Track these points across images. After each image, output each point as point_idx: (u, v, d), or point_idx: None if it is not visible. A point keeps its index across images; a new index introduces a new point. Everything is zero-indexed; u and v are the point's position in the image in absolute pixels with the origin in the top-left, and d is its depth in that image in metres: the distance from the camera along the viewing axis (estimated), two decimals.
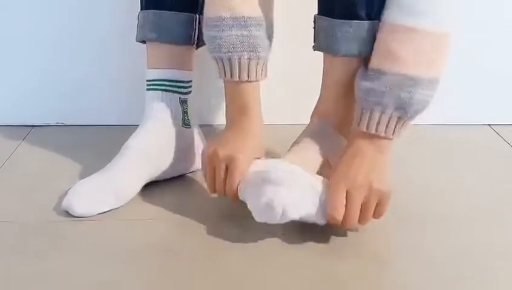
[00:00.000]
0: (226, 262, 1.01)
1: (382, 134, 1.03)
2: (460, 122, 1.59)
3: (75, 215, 1.12)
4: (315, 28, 1.13)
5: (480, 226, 1.14)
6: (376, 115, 1.03)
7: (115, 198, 1.16)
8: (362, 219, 1.05)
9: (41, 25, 1.53)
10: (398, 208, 1.18)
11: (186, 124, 1.26)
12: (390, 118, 1.03)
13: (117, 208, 1.16)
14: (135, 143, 1.21)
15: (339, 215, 1.02)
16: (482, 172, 1.35)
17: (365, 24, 1.05)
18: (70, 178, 1.27)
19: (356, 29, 1.05)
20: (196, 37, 1.25)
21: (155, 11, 1.23)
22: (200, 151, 1.20)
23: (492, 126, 1.58)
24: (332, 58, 1.10)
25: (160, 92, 1.24)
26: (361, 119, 1.04)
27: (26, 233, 1.09)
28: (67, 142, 1.47)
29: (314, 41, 1.13)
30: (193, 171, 1.30)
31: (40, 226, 1.11)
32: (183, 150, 1.26)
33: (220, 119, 1.53)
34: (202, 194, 1.22)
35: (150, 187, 1.23)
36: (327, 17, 1.08)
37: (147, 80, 1.25)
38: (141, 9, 1.27)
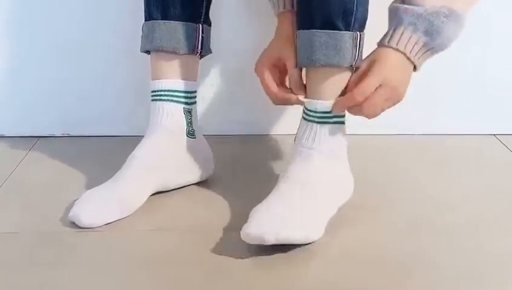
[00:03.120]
0: (233, 273, 0.99)
1: (408, 53, 1.10)
2: (466, 132, 1.59)
3: (82, 226, 1.10)
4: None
5: (484, 235, 1.12)
6: (407, 34, 1.09)
7: (121, 209, 1.14)
8: (371, 105, 1.10)
9: (46, 36, 1.53)
10: (404, 216, 1.18)
11: (190, 134, 1.24)
12: (417, 40, 1.10)
13: (123, 218, 1.14)
14: (140, 154, 1.20)
15: (364, 96, 1.08)
16: (486, 181, 1.34)
17: (342, 34, 1.07)
18: (76, 189, 1.25)
19: (333, 39, 1.07)
20: (200, 46, 1.24)
21: (158, 21, 1.22)
22: (205, 161, 1.21)
23: (497, 136, 1.57)
24: (312, 70, 1.11)
25: (164, 102, 1.22)
26: (392, 36, 1.10)
27: (32, 244, 1.08)
28: (72, 153, 1.46)
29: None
30: (199, 182, 1.28)
31: (46, 237, 1.09)
32: (189, 160, 1.25)
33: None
34: (208, 204, 1.21)
35: (157, 197, 1.21)
36: (303, 30, 1.10)
37: (151, 91, 1.24)
38: (145, 21, 1.26)
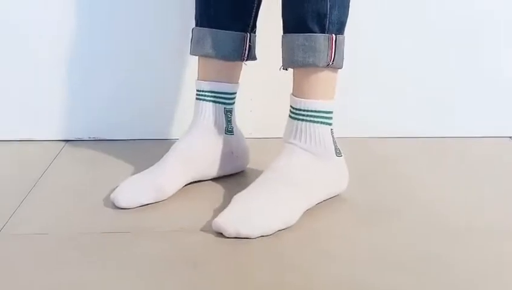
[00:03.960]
0: (255, 274, 1.00)
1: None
2: (481, 134, 1.59)
3: (119, 206, 1.20)
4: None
5: (499, 238, 1.12)
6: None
7: (155, 193, 1.22)
8: None
9: (74, 41, 1.56)
10: (419, 218, 1.19)
11: (229, 131, 1.32)
12: None
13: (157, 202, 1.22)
14: (180, 146, 1.28)
15: None
16: (502, 184, 1.34)
17: (317, 36, 1.14)
18: (103, 191, 1.28)
19: (308, 40, 1.15)
20: (247, 54, 1.32)
21: (212, 29, 1.29)
22: (241, 155, 1.35)
23: None
24: (295, 71, 1.19)
25: (208, 102, 1.30)
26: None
27: (60, 245, 1.09)
28: (99, 156, 1.49)
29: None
30: (235, 173, 1.37)
31: (74, 238, 1.12)
32: (226, 154, 1.33)
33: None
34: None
35: (192, 192, 1.27)
36: (285, 34, 1.19)
37: (197, 90, 1.31)
38: (196, 26, 1.32)
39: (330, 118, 1.19)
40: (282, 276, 0.99)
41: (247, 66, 1.34)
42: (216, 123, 1.31)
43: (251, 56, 1.33)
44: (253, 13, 1.31)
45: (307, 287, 0.97)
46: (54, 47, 1.56)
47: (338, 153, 1.21)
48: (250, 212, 1.11)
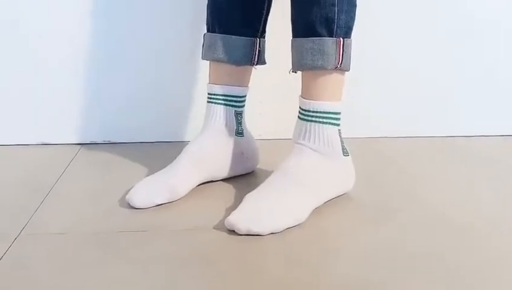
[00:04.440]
0: (265, 270, 1.03)
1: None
2: (487, 133, 1.60)
3: (134, 207, 1.24)
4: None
5: (501, 236, 1.14)
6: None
7: (169, 194, 1.26)
8: None
9: (89, 45, 1.59)
10: (420, 216, 1.20)
11: (239, 133, 1.36)
12: None
13: (170, 202, 1.26)
14: (192, 149, 1.32)
15: None
16: (505, 182, 1.35)
17: (325, 40, 1.18)
18: (118, 192, 1.32)
19: (317, 44, 1.18)
20: (256, 59, 1.36)
21: (223, 35, 1.33)
22: (251, 156, 1.38)
23: None
24: (303, 73, 1.23)
25: (219, 105, 1.34)
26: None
27: (78, 244, 1.12)
28: (113, 158, 1.52)
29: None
30: (245, 174, 1.41)
31: (91, 238, 1.14)
32: (236, 155, 1.37)
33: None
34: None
35: (204, 192, 1.30)
36: (294, 39, 1.23)
37: (208, 93, 1.35)
38: (207, 31, 1.36)
39: (338, 118, 1.23)
40: (291, 272, 1.01)
41: (256, 69, 1.37)
42: (227, 125, 1.35)
43: (261, 60, 1.37)
44: (263, 19, 1.35)
45: (314, 283, 0.99)
46: (68, 52, 1.59)
47: (345, 152, 1.25)
48: (261, 211, 1.14)
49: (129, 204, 1.25)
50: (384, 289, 0.98)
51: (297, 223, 1.15)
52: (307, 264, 1.04)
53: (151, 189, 1.26)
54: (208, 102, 1.36)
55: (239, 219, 1.13)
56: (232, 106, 1.35)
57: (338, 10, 1.18)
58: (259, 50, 1.35)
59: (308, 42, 1.20)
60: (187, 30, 1.58)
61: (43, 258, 1.08)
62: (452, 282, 0.99)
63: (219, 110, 1.34)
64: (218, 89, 1.34)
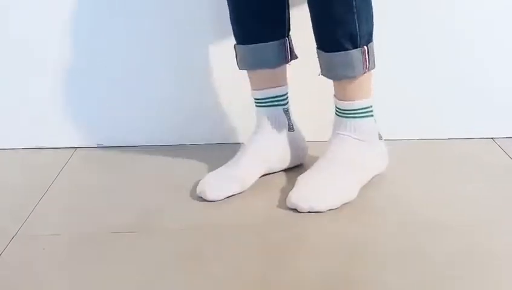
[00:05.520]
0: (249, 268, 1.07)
1: None
2: (464, 136, 1.60)
3: (208, 199, 1.30)
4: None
5: (478, 236, 1.16)
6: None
7: (239, 186, 1.33)
8: None
9: (83, 49, 1.60)
10: (405, 217, 1.23)
11: (291, 128, 1.42)
12: None
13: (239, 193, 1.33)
14: (251, 145, 1.40)
15: None
16: (483, 185, 1.36)
17: (352, 53, 1.25)
18: (112, 195, 1.35)
19: (344, 58, 1.26)
20: (290, 56, 1.41)
21: (253, 45, 1.37)
22: (302, 149, 1.45)
23: (495, 139, 1.59)
24: (334, 82, 1.32)
25: (267, 107, 1.40)
26: None
27: (72, 245, 1.15)
28: (107, 162, 1.54)
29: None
30: (300, 164, 1.46)
31: (85, 239, 1.17)
32: (289, 149, 1.43)
33: None
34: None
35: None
36: (321, 51, 1.29)
37: (255, 99, 1.42)
38: (237, 44, 1.40)
39: (371, 110, 1.32)
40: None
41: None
42: (279, 123, 1.40)
43: (293, 56, 1.41)
44: (287, 20, 1.39)
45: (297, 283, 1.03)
46: (62, 56, 1.60)
47: (380, 137, 1.35)
48: (318, 190, 1.25)
49: (200, 197, 1.31)
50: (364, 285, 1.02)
51: (351, 200, 1.27)
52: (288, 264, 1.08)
53: (222, 182, 1.32)
54: (256, 106, 1.42)
55: (300, 197, 1.24)
56: (279, 105, 1.40)
57: (359, 24, 1.25)
58: (290, 48, 1.40)
59: (336, 56, 1.27)
60: (179, 34, 1.60)
61: (39, 258, 1.11)
62: (429, 278, 1.03)
63: (269, 111, 1.40)
64: (261, 94, 1.40)
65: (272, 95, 1.40)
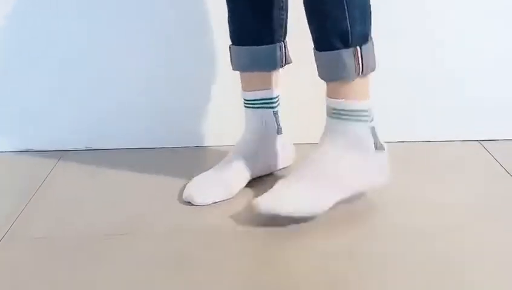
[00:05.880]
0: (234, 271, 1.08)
1: None
2: (451, 138, 1.61)
3: (196, 204, 1.29)
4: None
5: (467, 238, 1.17)
6: None
7: (226, 192, 1.32)
8: None
9: (71, 53, 1.59)
10: (390, 219, 1.24)
11: (279, 131, 1.41)
12: None
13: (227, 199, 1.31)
14: (239, 148, 1.38)
15: None
16: (469, 187, 1.37)
17: (342, 53, 1.19)
18: (100, 198, 1.35)
19: (335, 58, 1.20)
20: (284, 60, 1.40)
21: (249, 47, 1.36)
22: (289, 153, 1.43)
23: (481, 142, 1.60)
24: (327, 83, 1.25)
25: (257, 109, 1.39)
26: None
27: (59, 248, 1.15)
28: (95, 165, 1.53)
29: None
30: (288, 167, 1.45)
31: (72, 242, 1.17)
32: (277, 153, 1.42)
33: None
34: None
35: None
36: (315, 50, 1.24)
37: (245, 100, 1.40)
38: (233, 44, 1.38)
39: (366, 115, 1.22)
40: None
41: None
42: (268, 125, 1.39)
43: (287, 61, 1.40)
44: (284, 24, 1.38)
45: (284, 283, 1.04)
46: (50, 59, 1.60)
47: (379, 147, 1.24)
48: (283, 195, 1.20)
49: (188, 202, 1.30)
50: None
51: (313, 212, 1.20)
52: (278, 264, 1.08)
53: (209, 187, 1.31)
54: (246, 107, 1.40)
55: (262, 200, 1.20)
56: (269, 107, 1.39)
57: (350, 22, 1.18)
58: (284, 52, 1.39)
59: (326, 56, 1.21)
60: (168, 37, 1.60)
61: (26, 262, 1.11)
62: (411, 276, 1.04)
63: (258, 113, 1.38)
64: (254, 95, 1.38)
65: (263, 97, 1.39)
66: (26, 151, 1.64)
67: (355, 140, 1.23)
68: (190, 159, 1.55)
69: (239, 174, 1.35)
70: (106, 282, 1.05)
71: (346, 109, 1.22)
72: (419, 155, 1.56)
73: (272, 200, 1.20)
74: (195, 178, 1.35)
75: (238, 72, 1.41)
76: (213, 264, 1.09)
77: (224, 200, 1.31)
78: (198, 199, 1.29)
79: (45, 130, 1.64)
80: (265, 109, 1.39)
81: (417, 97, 1.62)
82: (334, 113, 1.23)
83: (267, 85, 1.39)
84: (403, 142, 1.62)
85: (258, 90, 1.38)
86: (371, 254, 1.13)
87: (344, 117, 1.23)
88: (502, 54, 1.61)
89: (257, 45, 1.36)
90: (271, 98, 1.39)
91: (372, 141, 1.24)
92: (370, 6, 1.22)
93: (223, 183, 1.32)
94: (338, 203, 1.22)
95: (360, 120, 1.22)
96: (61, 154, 1.61)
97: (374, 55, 1.23)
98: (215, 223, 1.23)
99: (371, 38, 1.22)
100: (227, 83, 1.50)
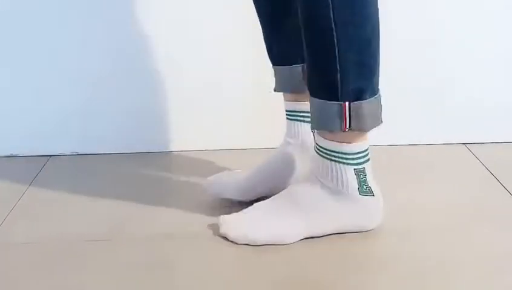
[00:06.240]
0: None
1: None
2: (436, 141, 1.62)
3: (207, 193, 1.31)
4: None
5: (451, 241, 1.17)
6: None
7: (238, 194, 1.29)
8: None
9: (56, 57, 1.59)
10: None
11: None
12: None
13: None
14: (263, 164, 1.31)
15: None
16: (454, 190, 1.37)
17: (328, 104, 1.11)
18: (86, 203, 1.34)
19: (321, 108, 1.13)
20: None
21: (282, 67, 1.28)
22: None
23: (467, 145, 1.60)
24: None
25: (302, 123, 1.29)
26: None
27: (45, 254, 1.15)
28: (83, 170, 1.53)
29: None
30: None
31: (59, 247, 1.17)
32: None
33: None
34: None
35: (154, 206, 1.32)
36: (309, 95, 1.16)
37: (288, 110, 1.30)
38: (273, 65, 1.30)
39: (354, 158, 1.14)
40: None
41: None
42: (304, 141, 1.28)
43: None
44: None
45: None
46: (35, 63, 1.60)
47: (364, 192, 1.16)
48: (246, 222, 1.17)
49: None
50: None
51: (276, 243, 1.15)
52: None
53: (225, 184, 1.30)
54: (290, 119, 1.30)
55: (226, 222, 1.18)
56: (307, 121, 1.26)
57: (341, 77, 1.09)
58: None
59: (314, 103, 1.14)
60: (158, 40, 1.60)
61: (10, 267, 1.11)
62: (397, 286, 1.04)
63: (301, 127, 1.29)
64: (296, 106, 1.29)
65: (302, 110, 1.28)
66: (13, 156, 1.63)
67: (338, 182, 1.15)
68: (178, 164, 1.55)
69: (248, 188, 1.29)
70: (88, 287, 1.04)
71: (330, 149, 1.14)
72: (404, 158, 1.56)
73: (233, 225, 1.17)
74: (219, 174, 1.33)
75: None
76: (194, 270, 1.09)
77: (218, 202, 1.30)
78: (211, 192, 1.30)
79: (32, 135, 1.63)
80: (306, 124, 1.28)
81: (402, 100, 1.61)
82: (320, 150, 1.16)
83: (304, 98, 1.25)
84: (389, 145, 1.62)
85: (299, 101, 1.29)
86: (356, 255, 1.13)
87: (327, 156, 1.15)
88: (488, 57, 1.61)
89: (292, 64, 1.28)
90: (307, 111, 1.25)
91: (357, 185, 1.15)
92: (375, 61, 1.12)
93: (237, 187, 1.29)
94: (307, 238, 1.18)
95: (345, 162, 1.14)
96: (46, 159, 1.60)
97: (373, 113, 1.13)
98: (197, 231, 1.22)
99: (374, 95, 1.13)
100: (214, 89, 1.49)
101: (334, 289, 1.03)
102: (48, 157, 1.62)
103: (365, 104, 1.11)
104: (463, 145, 1.61)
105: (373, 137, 1.57)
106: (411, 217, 1.26)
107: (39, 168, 1.54)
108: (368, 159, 1.16)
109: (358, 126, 1.12)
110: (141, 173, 1.50)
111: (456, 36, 1.60)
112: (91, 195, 1.38)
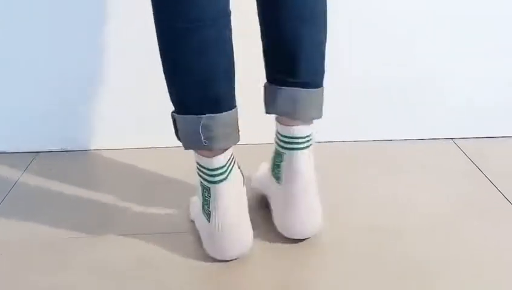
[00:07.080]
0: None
1: None
2: (423, 136, 1.61)
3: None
4: None
5: (438, 237, 1.17)
6: None
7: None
8: None
9: (46, 53, 1.57)
10: (362, 219, 1.24)
11: None
12: None
13: None
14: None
15: None
16: (441, 185, 1.38)
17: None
18: (74, 200, 1.33)
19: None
20: None
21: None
22: None
23: (454, 140, 1.60)
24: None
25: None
26: None
27: (32, 252, 1.14)
28: (70, 166, 1.52)
29: None
30: None
31: (45, 245, 1.16)
32: None
33: None
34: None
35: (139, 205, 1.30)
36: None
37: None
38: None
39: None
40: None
41: None
42: None
43: None
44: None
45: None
46: (24, 60, 1.58)
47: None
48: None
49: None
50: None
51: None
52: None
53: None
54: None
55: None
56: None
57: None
58: None
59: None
60: (145, 35, 1.58)
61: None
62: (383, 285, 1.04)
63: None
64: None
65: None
66: (0, 153, 1.62)
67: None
68: (166, 159, 1.53)
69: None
70: (74, 285, 1.05)
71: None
72: (391, 154, 1.55)
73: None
74: None
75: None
76: (179, 266, 1.09)
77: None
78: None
79: (19, 131, 1.62)
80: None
81: (388, 96, 1.61)
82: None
83: None
84: (374, 141, 1.62)
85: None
86: (342, 254, 1.13)
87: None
88: (473, 53, 1.60)
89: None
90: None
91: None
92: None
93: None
94: None
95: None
96: (34, 155, 1.59)
97: None
98: (181, 230, 1.21)
99: None
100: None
101: (327, 288, 1.03)
102: (36, 153, 1.60)
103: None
104: (451, 140, 1.61)
105: (360, 133, 1.58)
106: (397, 213, 1.26)
107: (26, 165, 1.53)
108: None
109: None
110: (131, 169, 1.49)
111: (439, 33, 1.59)
112: (79, 192, 1.37)
